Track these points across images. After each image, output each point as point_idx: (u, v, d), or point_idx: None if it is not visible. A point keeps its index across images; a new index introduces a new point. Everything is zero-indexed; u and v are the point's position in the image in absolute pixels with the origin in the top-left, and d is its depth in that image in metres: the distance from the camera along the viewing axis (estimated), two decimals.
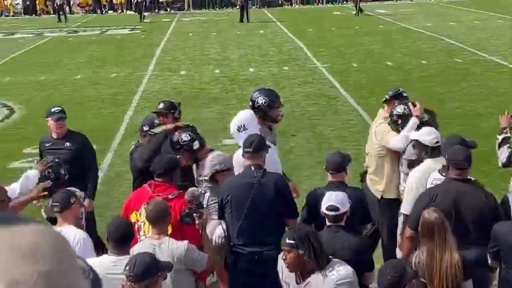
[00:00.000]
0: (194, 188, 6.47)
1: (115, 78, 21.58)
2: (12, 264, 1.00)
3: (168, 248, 5.80)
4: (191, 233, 6.15)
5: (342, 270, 5.20)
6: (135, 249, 5.80)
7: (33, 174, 6.88)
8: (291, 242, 5.20)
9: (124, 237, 5.60)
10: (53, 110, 8.28)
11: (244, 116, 7.80)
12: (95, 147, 13.70)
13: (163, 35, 32.85)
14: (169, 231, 6.05)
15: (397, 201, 7.58)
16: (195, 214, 6.11)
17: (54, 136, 8.27)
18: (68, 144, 8.16)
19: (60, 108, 8.32)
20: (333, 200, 5.94)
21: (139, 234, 6.39)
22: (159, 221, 5.87)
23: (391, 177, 7.78)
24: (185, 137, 7.30)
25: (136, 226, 6.37)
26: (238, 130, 7.81)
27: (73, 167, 7.99)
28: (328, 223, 5.98)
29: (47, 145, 8.28)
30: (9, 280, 0.98)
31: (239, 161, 7.06)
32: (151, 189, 6.44)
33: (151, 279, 4.97)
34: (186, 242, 5.82)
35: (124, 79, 21.40)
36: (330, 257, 5.33)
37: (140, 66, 23.54)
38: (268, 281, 6.35)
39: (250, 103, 8.10)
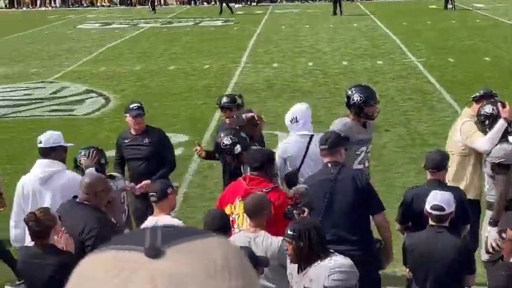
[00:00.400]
0: (302, 185, 6.40)
1: (208, 70, 21.73)
2: (208, 282, 0.96)
3: (263, 242, 5.77)
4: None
5: (339, 260, 5.18)
6: (232, 240, 5.80)
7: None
8: (292, 233, 5.23)
9: (220, 229, 5.60)
10: (131, 106, 8.36)
11: (299, 108, 7.94)
12: (187, 138, 13.98)
13: (256, 27, 32.91)
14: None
15: (476, 203, 7.35)
16: (294, 211, 6.04)
17: (133, 132, 8.36)
18: (146, 140, 8.24)
19: (139, 105, 8.37)
20: (439, 199, 5.81)
21: (233, 227, 6.38)
22: (257, 214, 5.84)
23: (473, 178, 7.53)
24: (227, 140, 7.31)
25: (230, 219, 6.37)
26: (291, 122, 7.88)
27: (151, 163, 8.12)
28: (430, 222, 5.84)
29: (126, 141, 8.37)
30: None
31: (284, 153, 7.13)
32: (246, 183, 6.41)
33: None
34: (280, 238, 5.77)
35: (217, 71, 21.52)
36: (331, 251, 5.29)
37: (233, 58, 23.63)
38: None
39: (346, 99, 8.00)
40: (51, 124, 15.22)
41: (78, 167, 7.32)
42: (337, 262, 5.17)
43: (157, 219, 6.27)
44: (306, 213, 6.04)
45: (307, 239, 5.16)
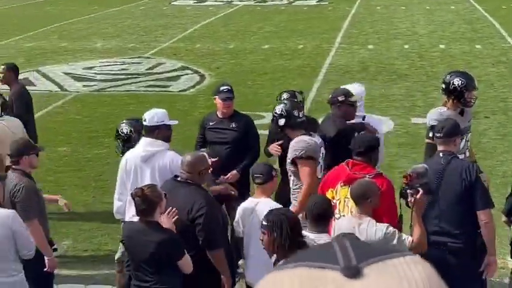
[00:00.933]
0: (422, 165, 6.24)
1: (302, 50, 21.63)
2: None
3: (367, 229, 5.69)
4: (390, 216, 5.99)
5: None
6: (338, 223, 5.75)
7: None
8: (265, 224, 5.13)
9: (322, 215, 5.55)
10: (221, 88, 8.16)
11: (360, 90, 8.04)
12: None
13: (350, 7, 32.55)
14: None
15: None
16: (408, 191, 5.91)
17: (220, 115, 8.16)
18: (233, 124, 8.06)
19: (229, 88, 8.18)
20: None
21: (334, 213, 6.32)
22: (363, 201, 5.76)
23: None
24: (278, 109, 7.23)
25: (331, 203, 6.31)
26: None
27: (235, 148, 8.00)
28: None
29: (211, 123, 8.21)
30: None
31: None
32: (349, 168, 6.33)
33: None
34: (386, 225, 5.68)
35: (311, 51, 21.40)
36: (313, 243, 5.11)
37: (327, 39, 23.45)
38: (451, 275, 6.10)
39: (444, 86, 7.82)
40: (148, 99, 15.47)
41: (119, 137, 7.49)
42: None
43: (258, 201, 6.27)
44: (420, 194, 5.87)
45: (279, 230, 5.04)
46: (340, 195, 6.29)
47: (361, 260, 0.92)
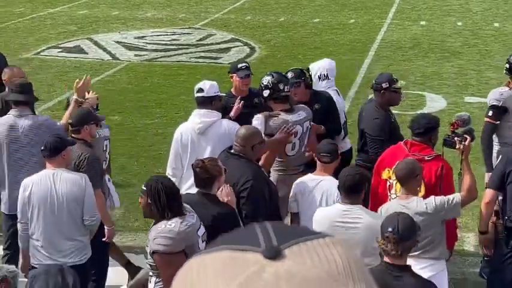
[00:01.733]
0: (465, 112, 6.18)
1: (354, 24, 21.43)
2: (333, 285, 0.89)
3: (416, 208, 5.67)
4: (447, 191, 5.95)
5: (172, 225, 5.08)
6: (384, 209, 5.72)
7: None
8: (144, 188, 5.27)
9: (353, 188, 5.58)
10: (239, 66, 7.98)
11: (330, 65, 8.17)
12: None
13: None
14: (423, 193, 5.89)
15: None
16: (456, 138, 5.87)
17: (234, 93, 7.91)
18: (256, 100, 7.69)
19: (247, 65, 8.04)
20: None
21: (390, 192, 6.28)
22: (408, 181, 5.74)
23: None
24: (265, 80, 7.17)
25: (388, 183, 6.27)
26: (320, 78, 7.89)
27: None
28: None
29: (232, 104, 7.77)
30: None
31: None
32: (407, 148, 6.28)
33: (413, 241, 4.90)
34: (432, 197, 5.70)
35: (362, 25, 21.19)
36: (192, 214, 5.25)
37: (379, 14, 23.19)
38: None
39: (508, 65, 7.69)
40: (198, 71, 15.51)
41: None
42: (168, 227, 5.09)
43: (322, 178, 6.24)
44: (468, 140, 5.85)
45: (155, 195, 5.18)
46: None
47: (281, 242, 0.91)
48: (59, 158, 6.12)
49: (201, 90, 7.11)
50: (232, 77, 7.99)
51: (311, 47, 18.19)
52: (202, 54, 17.51)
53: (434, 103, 13.31)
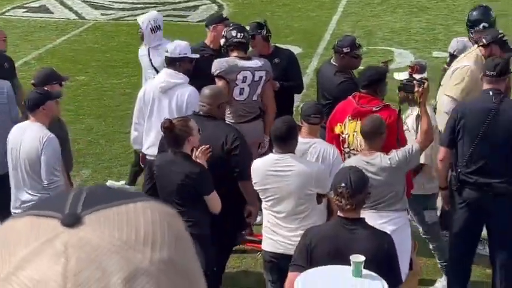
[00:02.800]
0: (422, 60, 6.31)
1: None
2: (126, 253, 0.86)
3: (381, 164, 5.72)
4: (403, 145, 6.01)
5: None
6: (347, 163, 5.76)
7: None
8: None
9: (284, 137, 5.68)
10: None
11: (159, 16, 8.48)
12: (300, 50, 13.83)
13: None
14: None
15: None
16: (415, 81, 5.98)
17: (213, 46, 7.91)
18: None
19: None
20: None
21: (343, 147, 6.32)
22: (374, 136, 5.78)
23: None
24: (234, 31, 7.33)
25: (340, 138, 6.31)
26: (152, 31, 8.13)
27: None
28: None
29: (205, 55, 7.81)
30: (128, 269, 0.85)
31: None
32: (356, 101, 6.31)
33: (365, 193, 5.01)
34: (394, 151, 5.83)
35: None
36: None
37: None
38: (492, 219, 6.13)
39: (467, 22, 7.77)
40: (166, 29, 15.33)
41: None
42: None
43: (313, 141, 6.06)
44: (426, 84, 5.98)
45: None
46: (349, 130, 6.30)
47: (85, 208, 0.88)
48: (39, 112, 6.07)
49: (166, 50, 7.14)
50: (213, 28, 8.01)
51: (279, 4, 18.07)
52: (170, 12, 17.33)
53: (403, 58, 13.33)
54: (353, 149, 6.27)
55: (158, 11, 17.35)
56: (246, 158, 6.10)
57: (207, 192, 5.74)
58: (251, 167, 5.85)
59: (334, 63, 7.43)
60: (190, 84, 7.03)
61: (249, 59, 7.22)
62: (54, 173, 6.03)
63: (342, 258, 4.72)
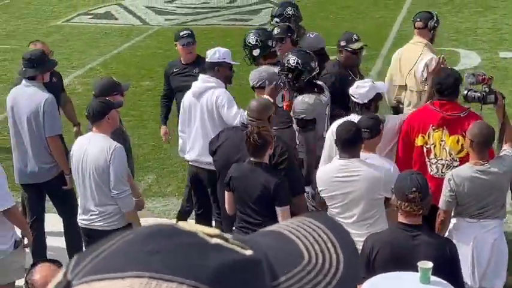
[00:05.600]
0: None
1: None
2: None
3: (496, 171, 5.67)
4: None
5: None
6: (456, 176, 5.65)
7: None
8: None
9: (350, 142, 5.55)
10: (181, 34, 7.98)
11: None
12: (364, 51, 13.66)
13: None
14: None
15: None
16: (496, 93, 6.00)
17: (183, 61, 7.96)
18: (197, 70, 7.57)
19: (189, 32, 8.02)
20: None
21: (428, 158, 6.13)
22: (486, 145, 5.65)
23: None
24: (252, 40, 7.24)
25: (425, 149, 6.13)
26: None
27: None
28: None
29: (175, 70, 7.97)
30: None
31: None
32: (438, 109, 6.11)
33: (430, 197, 5.01)
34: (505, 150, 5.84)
35: None
36: None
37: None
38: None
39: None
40: (229, 34, 15.39)
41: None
42: None
43: (367, 156, 5.78)
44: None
45: None
46: (434, 139, 6.10)
47: (75, 275, 0.88)
48: (103, 122, 6.05)
49: (206, 55, 7.03)
50: (176, 45, 8.02)
51: (343, 6, 17.94)
52: (232, 16, 17.37)
53: (468, 59, 13.08)
54: (440, 159, 6.12)
55: (221, 15, 17.50)
56: (296, 172, 5.89)
57: (280, 204, 5.54)
58: (317, 176, 5.75)
59: (338, 59, 7.49)
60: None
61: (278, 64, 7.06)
62: (123, 182, 6.02)
63: (403, 265, 4.63)
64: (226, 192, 5.82)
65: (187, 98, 6.97)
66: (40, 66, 7.00)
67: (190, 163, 7.11)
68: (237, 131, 6.09)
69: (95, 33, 16.23)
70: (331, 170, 5.66)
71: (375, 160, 5.72)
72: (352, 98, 6.10)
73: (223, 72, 6.89)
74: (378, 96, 6.16)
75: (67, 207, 6.97)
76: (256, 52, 7.22)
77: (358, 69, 7.61)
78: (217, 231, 0.89)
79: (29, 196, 7.17)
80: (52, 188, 7.05)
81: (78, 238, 6.57)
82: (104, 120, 6.03)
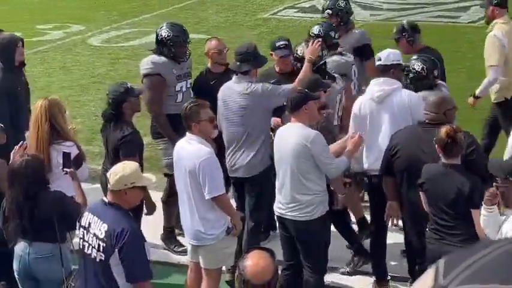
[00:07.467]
0: None
1: None
2: None
3: None
4: None
5: None
6: None
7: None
8: None
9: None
10: (277, 44, 7.67)
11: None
12: None
13: None
14: None
15: None
16: None
17: (277, 70, 7.70)
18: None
19: (286, 43, 7.69)
20: None
21: None
22: None
23: None
24: (316, 30, 7.67)
25: None
26: None
27: None
28: None
29: (271, 81, 7.37)
30: None
31: None
32: None
33: None
34: None
35: None
36: None
37: None
38: None
39: None
40: (434, 31, 15.03)
41: None
42: None
43: None
44: None
45: None
46: None
47: (459, 284, 0.90)
48: (301, 112, 6.20)
49: (379, 58, 6.99)
50: (272, 54, 7.76)
51: None
52: (440, 13, 16.97)
53: None
54: None
55: (428, 11, 17.16)
56: (483, 162, 5.88)
57: (473, 206, 5.53)
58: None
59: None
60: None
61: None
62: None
63: None
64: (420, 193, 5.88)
65: (368, 105, 6.82)
66: (255, 61, 7.10)
67: (373, 172, 6.85)
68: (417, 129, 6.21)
69: (300, 27, 16.43)
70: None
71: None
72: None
73: (398, 74, 6.94)
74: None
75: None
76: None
77: None
78: None
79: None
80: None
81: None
82: (301, 110, 6.16)
